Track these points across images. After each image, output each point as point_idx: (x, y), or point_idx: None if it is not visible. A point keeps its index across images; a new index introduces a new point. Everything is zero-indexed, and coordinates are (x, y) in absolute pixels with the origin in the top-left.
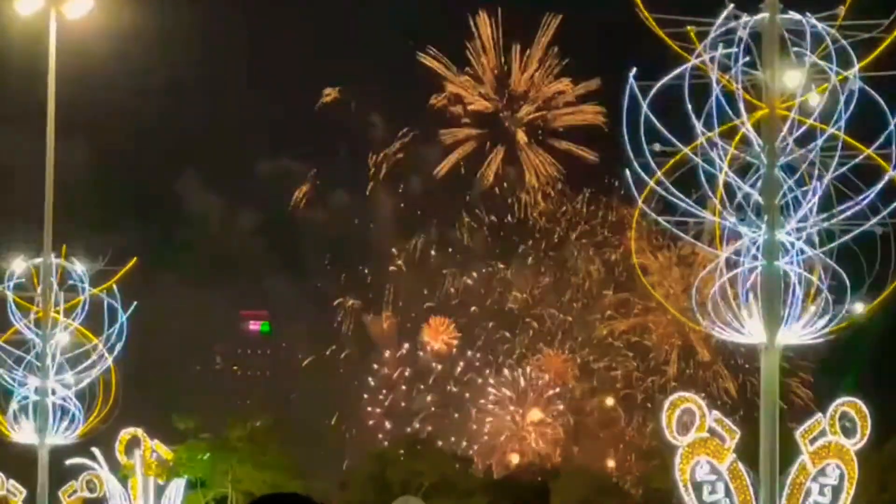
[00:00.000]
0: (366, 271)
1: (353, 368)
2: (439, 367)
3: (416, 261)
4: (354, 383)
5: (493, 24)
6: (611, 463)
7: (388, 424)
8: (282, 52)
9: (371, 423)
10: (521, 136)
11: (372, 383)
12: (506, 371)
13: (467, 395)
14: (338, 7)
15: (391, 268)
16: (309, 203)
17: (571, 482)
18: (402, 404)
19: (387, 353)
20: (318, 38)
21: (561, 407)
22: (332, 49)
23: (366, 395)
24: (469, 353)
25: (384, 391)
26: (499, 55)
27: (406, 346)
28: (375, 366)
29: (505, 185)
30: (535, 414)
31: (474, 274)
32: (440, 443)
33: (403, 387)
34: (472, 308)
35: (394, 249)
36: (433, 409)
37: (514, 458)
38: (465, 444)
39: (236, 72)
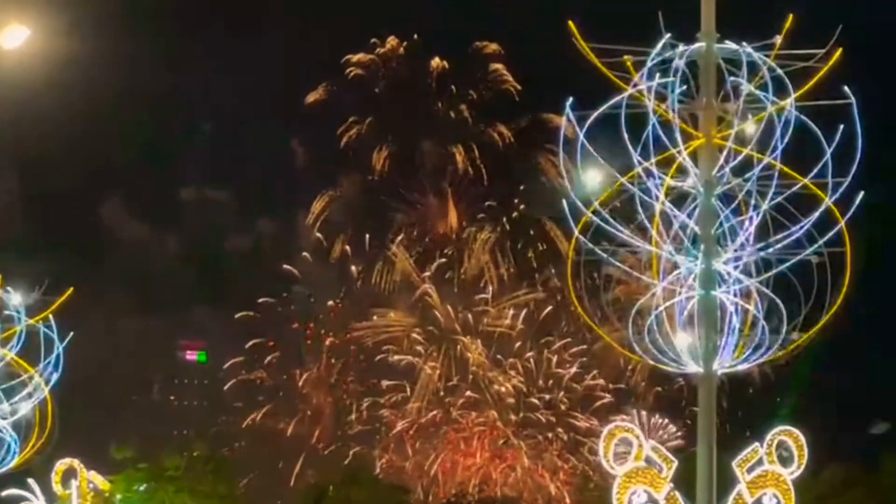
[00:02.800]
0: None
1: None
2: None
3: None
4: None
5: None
6: (546, 491)
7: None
8: (214, 78)
9: (306, 452)
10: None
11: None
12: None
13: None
14: (276, 37)
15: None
16: (237, 230)
17: None
18: (335, 433)
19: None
20: (252, 68)
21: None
22: (269, 81)
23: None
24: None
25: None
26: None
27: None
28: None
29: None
30: (468, 444)
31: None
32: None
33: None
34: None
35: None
36: (357, 445)
37: (452, 488)
38: (398, 473)
39: (168, 99)
